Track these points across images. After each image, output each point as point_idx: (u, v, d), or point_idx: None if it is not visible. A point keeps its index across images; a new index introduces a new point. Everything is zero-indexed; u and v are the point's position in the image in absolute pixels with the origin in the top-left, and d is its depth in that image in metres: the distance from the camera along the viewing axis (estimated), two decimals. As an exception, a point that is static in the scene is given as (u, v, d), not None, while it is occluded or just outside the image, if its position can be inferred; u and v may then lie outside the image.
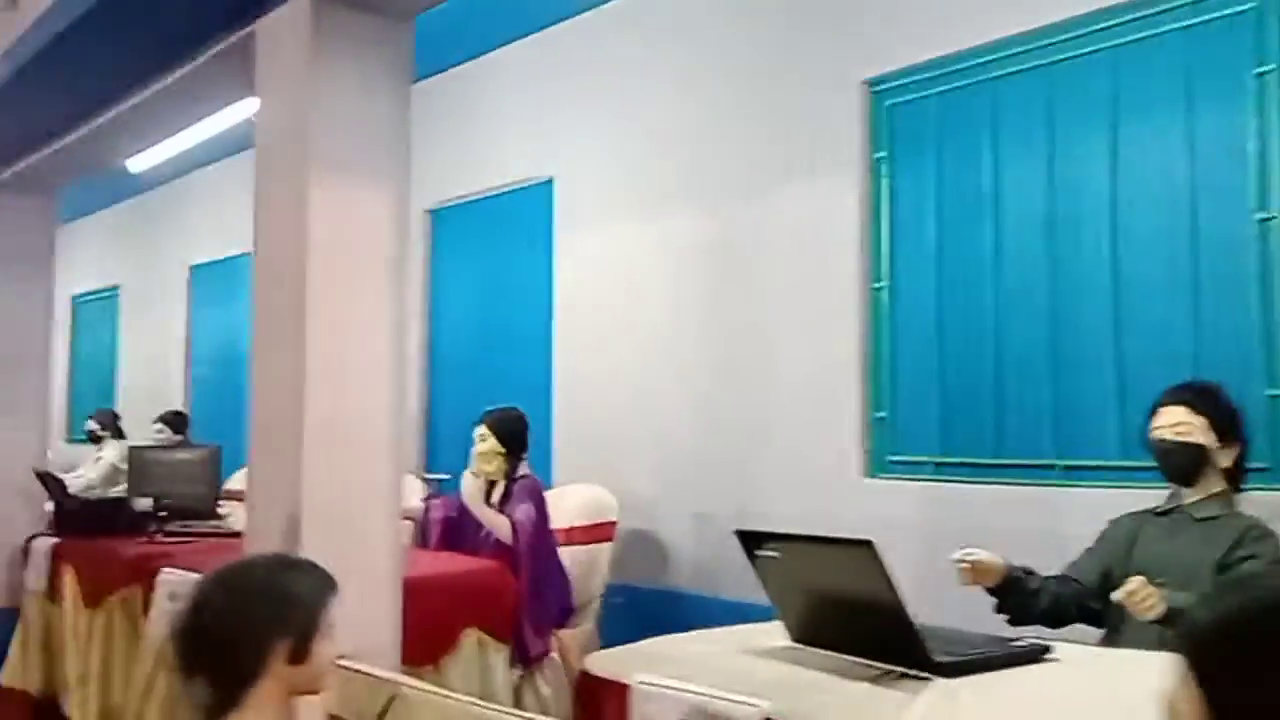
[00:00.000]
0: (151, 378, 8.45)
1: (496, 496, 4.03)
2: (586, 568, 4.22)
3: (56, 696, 4.27)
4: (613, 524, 4.27)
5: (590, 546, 4.25)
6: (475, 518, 3.99)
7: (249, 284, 7.25)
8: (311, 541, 2.75)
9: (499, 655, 3.56)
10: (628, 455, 4.61)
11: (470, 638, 3.44)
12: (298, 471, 2.77)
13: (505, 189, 5.23)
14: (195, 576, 3.66)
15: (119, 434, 7.14)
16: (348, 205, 2.89)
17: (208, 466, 4.51)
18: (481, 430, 4.03)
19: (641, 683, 1.86)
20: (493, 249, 5.36)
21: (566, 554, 4.08)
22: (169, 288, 8.24)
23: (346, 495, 2.84)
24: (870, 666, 1.92)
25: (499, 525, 3.86)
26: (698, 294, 4.39)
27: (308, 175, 2.82)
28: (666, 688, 1.82)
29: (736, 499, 4.10)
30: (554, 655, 3.88)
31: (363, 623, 2.80)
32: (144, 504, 4.45)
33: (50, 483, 4.79)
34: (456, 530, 4.08)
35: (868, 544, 1.84)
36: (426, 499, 4.43)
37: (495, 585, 3.62)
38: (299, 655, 1.68)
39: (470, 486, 3.91)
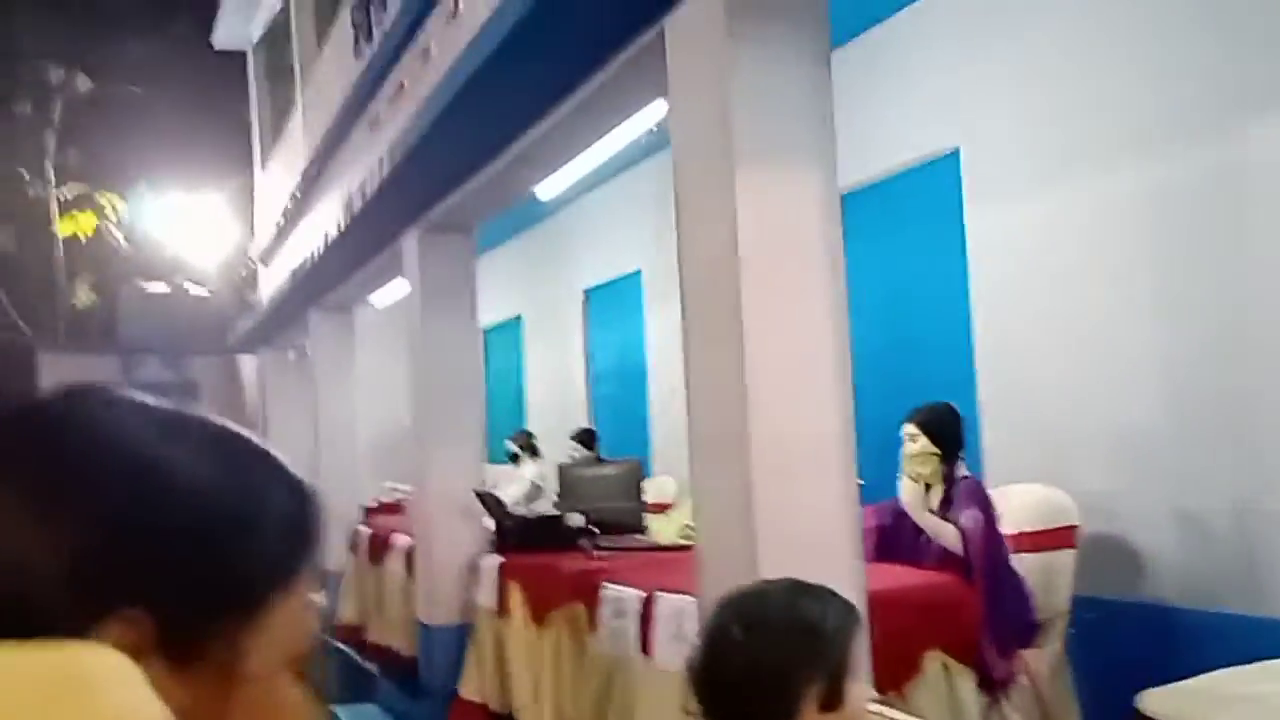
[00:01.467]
0: (556, 399, 8.89)
1: (934, 501, 3.68)
2: (1044, 578, 3.74)
3: (511, 712, 4.43)
4: (1073, 528, 3.76)
5: (1046, 554, 3.77)
6: (910, 526, 3.67)
7: (641, 301, 7.45)
8: (769, 562, 2.56)
9: (965, 680, 3.20)
10: (1077, 448, 4.07)
11: (933, 661, 3.12)
12: (748, 487, 2.59)
13: (905, 166, 4.85)
14: (638, 593, 3.65)
15: (535, 453, 7.51)
16: (777, 193, 2.69)
17: (631, 481, 4.52)
18: (911, 429, 3.70)
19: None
20: (896, 231, 4.99)
21: (1019, 563, 3.65)
22: (566, 312, 8.62)
23: (802, 511, 2.62)
24: None
25: (945, 533, 3.50)
26: (1154, 256, 3.78)
27: (734, 165, 2.64)
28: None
29: (1233, 494, 3.46)
30: (1021, 679, 3.46)
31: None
32: (576, 520, 4.54)
33: (489, 502, 5.04)
34: (892, 540, 3.76)
35: None
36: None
37: (954, 600, 3.27)
38: (831, 699, 1.45)
39: (911, 492, 3.58)
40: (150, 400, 0.57)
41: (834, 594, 1.56)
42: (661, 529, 4.98)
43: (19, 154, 12.10)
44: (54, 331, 11.86)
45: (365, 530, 7.07)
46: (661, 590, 3.39)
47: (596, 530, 4.44)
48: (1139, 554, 3.76)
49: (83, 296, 11.59)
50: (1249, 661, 3.03)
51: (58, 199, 11.52)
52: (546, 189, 4.78)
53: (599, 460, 6.16)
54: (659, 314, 7.26)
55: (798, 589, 1.55)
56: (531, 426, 8.32)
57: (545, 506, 6.92)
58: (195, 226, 12.99)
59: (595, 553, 4.38)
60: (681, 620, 3.20)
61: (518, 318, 9.72)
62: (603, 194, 7.85)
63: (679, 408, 6.88)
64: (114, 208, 11.87)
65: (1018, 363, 4.32)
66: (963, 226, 4.55)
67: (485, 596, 4.75)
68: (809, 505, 2.62)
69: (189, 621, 0.52)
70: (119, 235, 11.73)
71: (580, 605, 3.97)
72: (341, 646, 7.14)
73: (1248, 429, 3.46)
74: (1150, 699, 1.68)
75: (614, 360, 8.06)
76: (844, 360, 2.71)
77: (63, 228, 11.27)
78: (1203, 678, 1.79)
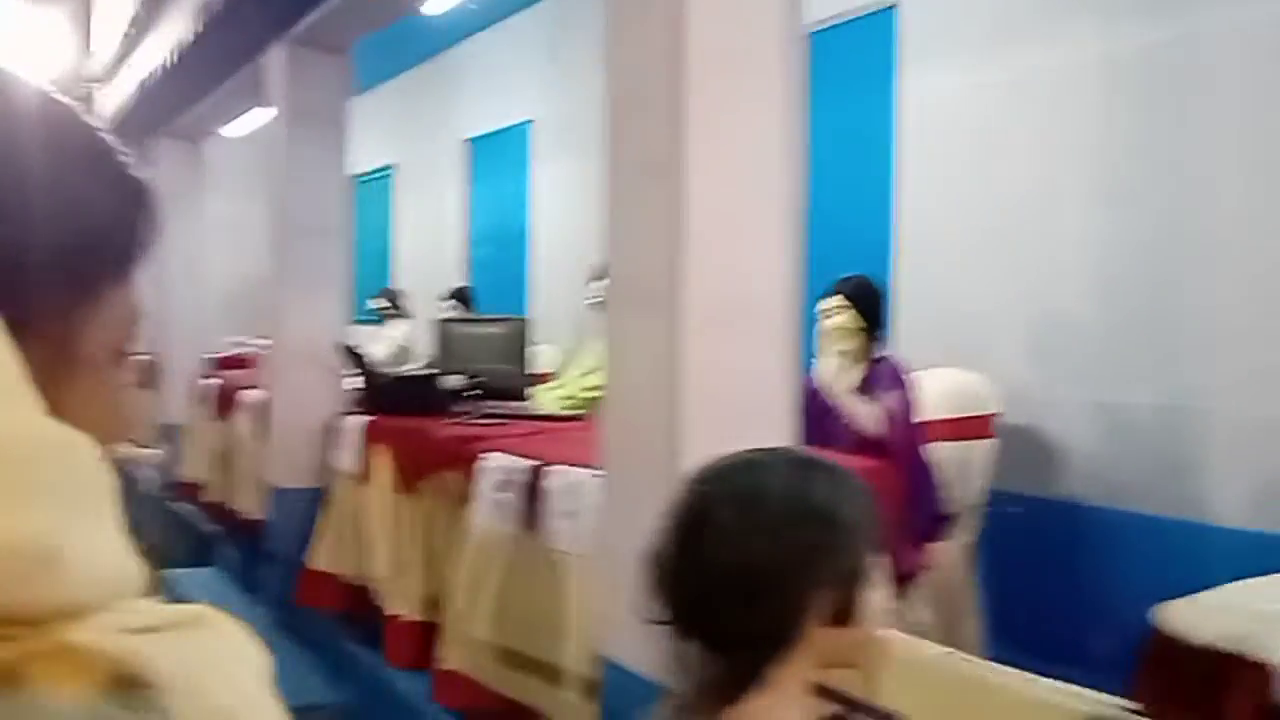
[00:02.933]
0: (429, 257, 8.32)
1: (851, 381, 3.41)
2: (957, 469, 3.54)
3: (367, 585, 4.05)
4: (991, 417, 3.56)
5: (961, 444, 3.57)
6: (821, 406, 3.40)
7: (526, 154, 6.90)
8: (693, 432, 2.21)
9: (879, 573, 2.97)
10: (997, 335, 3.86)
11: (849, 551, 2.86)
12: (675, 344, 2.22)
13: (833, 21, 4.44)
14: (525, 463, 3.28)
15: (402, 313, 7.00)
16: (736, 6, 2.25)
17: (515, 342, 4.09)
18: (837, 301, 3.39)
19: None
20: (818, 92, 4.59)
21: (932, 452, 3.43)
22: (445, 163, 8.00)
23: (737, 375, 2.27)
24: None
25: (865, 416, 3.23)
26: (1096, 136, 3.53)
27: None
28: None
29: (1157, 390, 3.30)
30: (927, 572, 3.27)
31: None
32: (453, 381, 4.11)
33: (355, 358, 4.55)
34: (802, 421, 3.48)
35: None
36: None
37: (875, 489, 3.00)
38: (844, 611, 1.10)
39: (832, 370, 3.29)
40: None
41: (847, 473, 1.20)
42: (543, 400, 4.60)
43: None
44: None
45: (211, 383, 6.45)
46: (550, 462, 3.03)
47: (476, 394, 4.02)
48: (1057, 448, 3.60)
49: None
50: (1168, 565, 2.89)
51: None
52: (434, 3, 4.18)
53: (480, 319, 5.68)
54: (548, 170, 6.75)
55: (804, 464, 1.18)
56: (399, 286, 7.76)
57: (411, 368, 6.46)
58: (23, 39, 11.55)
59: (474, 419, 3.98)
60: (577, 496, 2.85)
61: (387, 168, 9.01)
62: (491, 36, 7.20)
63: (563, 271, 6.45)
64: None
65: (940, 239, 4.05)
66: (892, 90, 4.20)
67: (345, 460, 4.30)
68: (745, 370, 2.27)
69: (25, 291, 0.53)
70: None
71: (456, 474, 3.58)
72: (181, 506, 6.59)
73: (1177, 324, 3.29)
74: (1173, 616, 1.40)
75: (494, 218, 7.53)
76: (794, 207, 2.33)
77: None
78: (1219, 591, 1.53)
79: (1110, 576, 3.16)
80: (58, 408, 0.52)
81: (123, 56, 8.25)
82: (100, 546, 0.51)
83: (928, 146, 4.09)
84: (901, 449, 3.20)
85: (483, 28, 7.08)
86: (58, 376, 0.54)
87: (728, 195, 2.25)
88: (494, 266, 7.52)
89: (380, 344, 6.85)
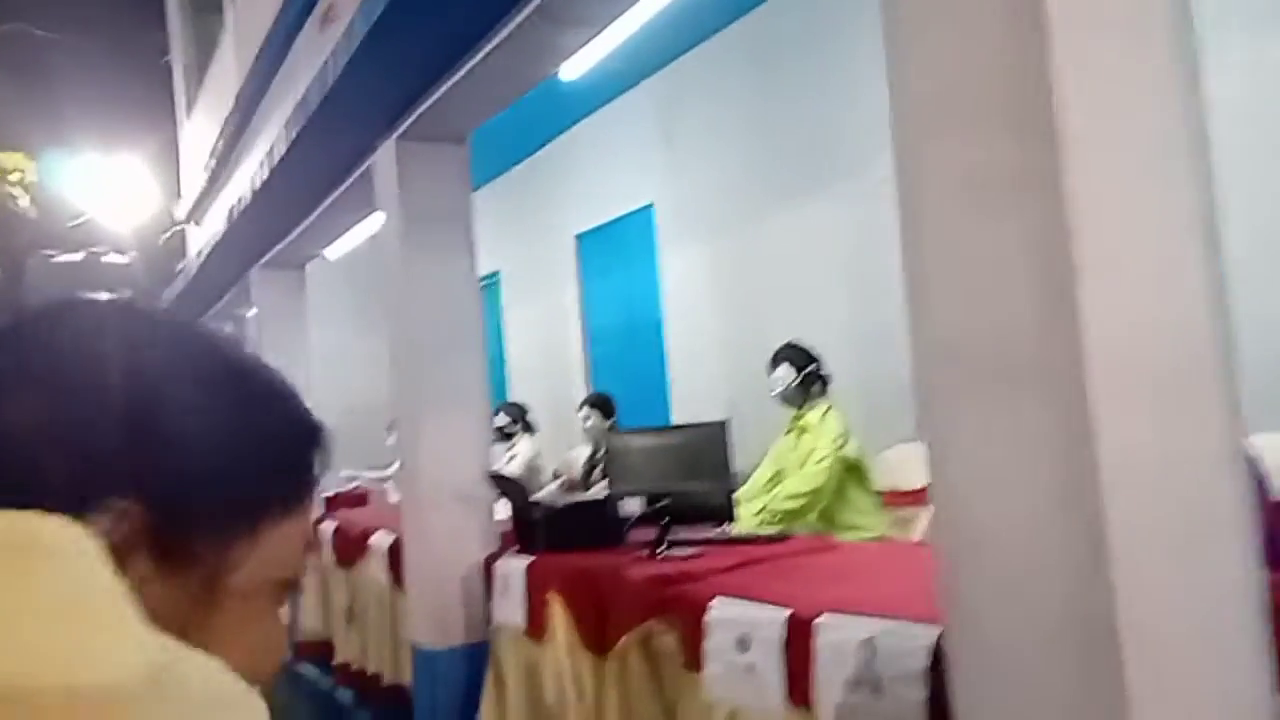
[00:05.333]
0: (545, 365, 7.72)
1: None
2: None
3: (557, 763, 3.29)
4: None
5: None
6: (1273, 507, 2.58)
7: (653, 240, 6.28)
8: (1129, 575, 1.45)
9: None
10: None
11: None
12: (1079, 445, 1.47)
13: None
14: (775, 612, 2.53)
15: (529, 428, 6.36)
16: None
17: (712, 450, 3.34)
18: None
19: None
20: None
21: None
22: (555, 263, 7.44)
23: (1174, 482, 1.51)
24: None
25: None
26: None
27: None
28: None
29: None
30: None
31: (1224, 691, 1.49)
32: (632, 506, 3.39)
33: (508, 487, 3.87)
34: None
35: None
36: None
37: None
38: None
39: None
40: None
41: None
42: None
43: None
44: (-49, 311, 10.32)
45: (329, 525, 5.83)
46: (828, 610, 2.27)
47: (664, 519, 3.30)
48: None
49: (-17, 270, 10.12)
50: None
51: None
52: (571, 68, 3.59)
53: (661, 428, 4.95)
54: (677, 254, 6.13)
55: None
56: (521, 396, 7.15)
57: (549, 489, 5.80)
58: (113, 189, 11.50)
59: (661, 551, 3.24)
60: (874, 659, 2.08)
61: (494, 275, 8.50)
62: (596, 124, 6.68)
63: (709, 364, 5.72)
64: (19, 169, 10.39)
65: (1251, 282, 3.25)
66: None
67: (510, 611, 3.58)
68: (1184, 461, 1.52)
69: (184, 521, 0.53)
70: (23, 200, 10.24)
71: (661, 625, 2.84)
72: (304, 669, 5.91)
73: None
74: None
75: (619, 314, 6.91)
76: (1211, 226, 1.59)
77: (-43, 192, 9.78)
78: None
79: None
80: (198, 637, 0.50)
81: (212, 189, 7.94)
82: None
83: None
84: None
85: (588, 113, 6.57)
86: (205, 606, 0.54)
87: (1121, 217, 1.53)
88: (623, 367, 6.88)
89: (509, 465, 6.20)
